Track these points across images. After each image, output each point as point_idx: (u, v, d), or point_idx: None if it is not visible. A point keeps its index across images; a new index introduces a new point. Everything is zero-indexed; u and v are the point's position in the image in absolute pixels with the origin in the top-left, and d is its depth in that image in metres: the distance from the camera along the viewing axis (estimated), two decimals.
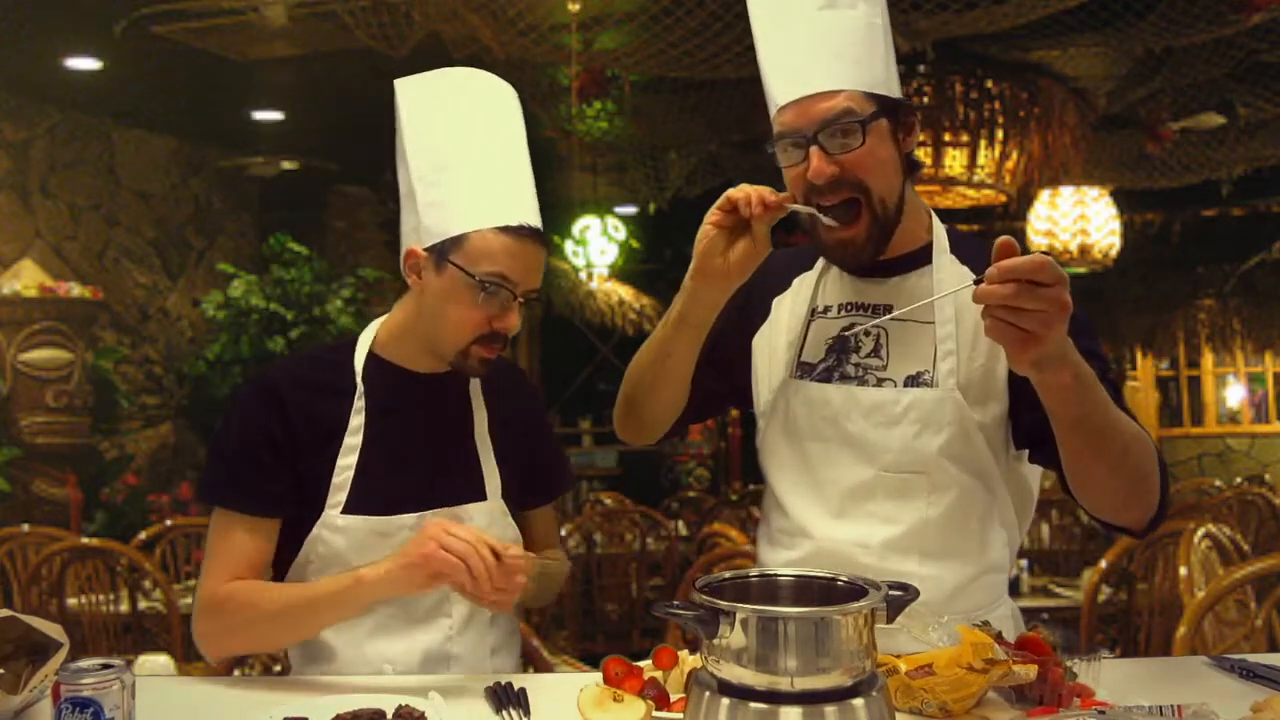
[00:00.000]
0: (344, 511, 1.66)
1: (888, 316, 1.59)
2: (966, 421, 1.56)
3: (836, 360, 1.66)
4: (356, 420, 1.70)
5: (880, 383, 1.61)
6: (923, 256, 1.65)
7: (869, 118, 1.54)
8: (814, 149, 1.54)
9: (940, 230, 1.67)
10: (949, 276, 1.61)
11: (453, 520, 1.59)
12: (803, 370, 1.69)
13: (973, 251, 1.64)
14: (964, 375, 1.57)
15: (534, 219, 1.70)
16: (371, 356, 1.76)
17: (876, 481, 1.60)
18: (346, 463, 1.68)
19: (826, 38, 1.56)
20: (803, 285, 1.74)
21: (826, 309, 1.71)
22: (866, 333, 1.64)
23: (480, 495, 1.73)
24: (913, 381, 1.59)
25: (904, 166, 1.61)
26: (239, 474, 1.68)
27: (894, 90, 1.60)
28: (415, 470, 1.70)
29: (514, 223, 1.66)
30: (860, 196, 1.56)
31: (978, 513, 1.61)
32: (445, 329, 1.68)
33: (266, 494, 1.66)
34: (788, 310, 1.74)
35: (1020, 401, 1.55)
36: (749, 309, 1.77)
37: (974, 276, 1.57)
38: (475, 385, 1.79)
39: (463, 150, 1.68)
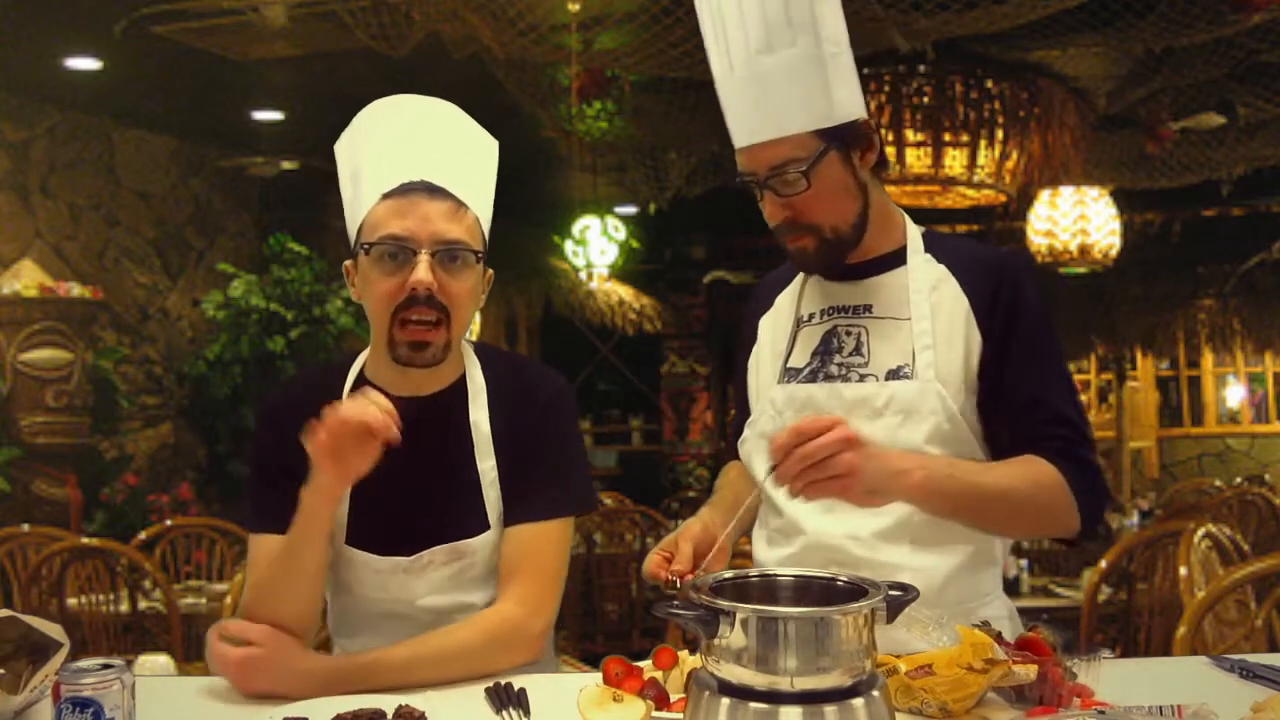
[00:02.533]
0: (346, 542, 1.63)
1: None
2: (949, 411, 1.61)
3: (820, 362, 1.71)
4: None
5: (863, 379, 1.66)
6: (899, 257, 1.70)
7: (815, 159, 1.59)
8: (767, 194, 1.63)
9: (914, 232, 1.73)
10: (922, 275, 1.67)
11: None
12: (789, 375, 1.74)
13: (949, 249, 1.70)
14: (943, 367, 1.62)
15: (426, 172, 1.59)
16: (362, 378, 1.69)
17: None
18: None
19: (767, 83, 1.59)
20: (785, 300, 1.81)
21: (810, 316, 1.76)
22: (848, 333, 1.71)
23: (483, 525, 1.64)
24: (893, 375, 1.64)
25: (861, 185, 1.66)
26: (256, 499, 1.67)
27: (847, 113, 1.62)
28: (409, 503, 1.61)
29: (395, 184, 1.58)
30: (812, 235, 1.64)
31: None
32: (373, 320, 1.60)
33: (279, 514, 1.60)
34: (772, 326, 1.81)
35: (986, 423, 1.65)
36: (748, 341, 1.86)
37: (946, 271, 1.67)
38: (480, 404, 1.67)
39: (369, 148, 1.64)
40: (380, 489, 1.56)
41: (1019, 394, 1.61)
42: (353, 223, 1.64)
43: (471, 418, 1.66)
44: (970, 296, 1.64)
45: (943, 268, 1.67)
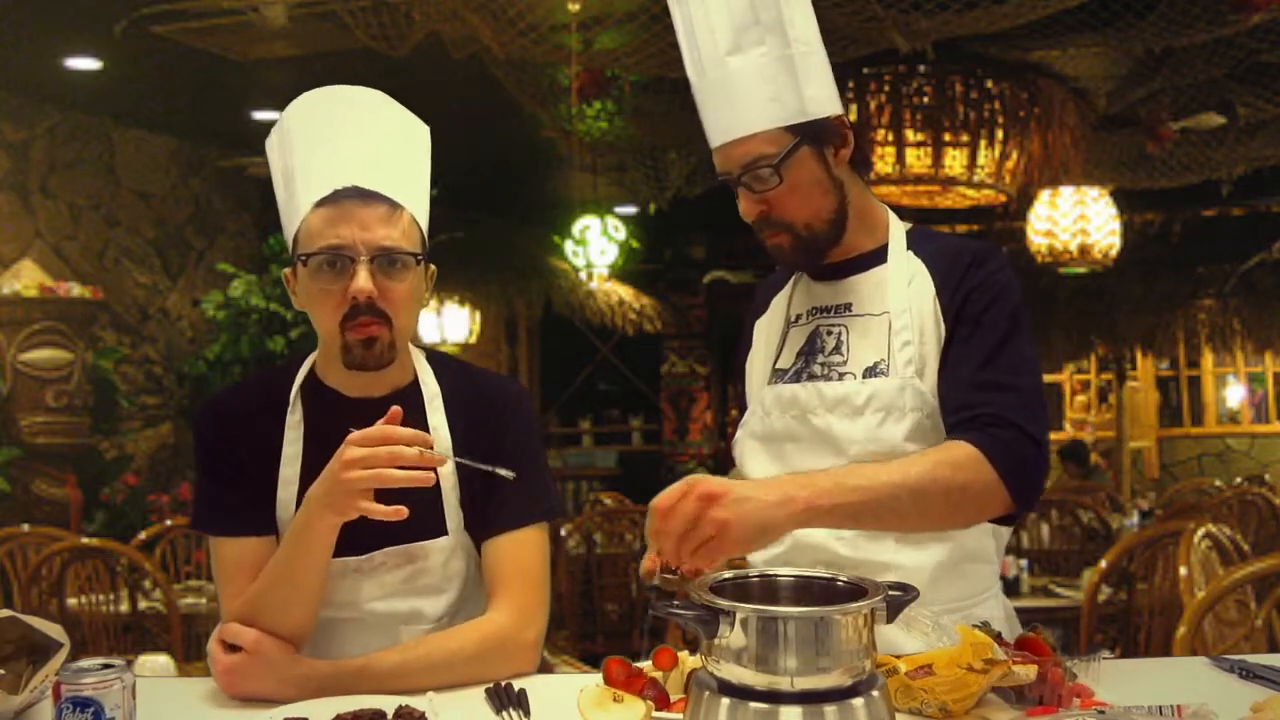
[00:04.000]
0: None
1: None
2: (929, 407, 1.61)
3: (805, 362, 1.73)
4: (291, 449, 1.61)
5: (842, 377, 1.67)
6: (880, 255, 1.71)
7: (784, 155, 1.60)
8: (741, 190, 1.64)
9: (898, 230, 1.73)
10: (901, 271, 1.67)
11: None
12: (777, 376, 1.76)
13: (929, 245, 1.70)
14: (919, 362, 1.62)
15: (356, 176, 1.56)
16: (312, 377, 1.66)
17: None
18: (287, 495, 1.60)
19: (735, 83, 1.61)
20: (777, 303, 1.83)
21: (798, 317, 1.78)
22: (829, 332, 1.71)
23: (440, 530, 1.61)
24: (870, 372, 1.65)
25: (837, 182, 1.66)
26: (208, 499, 1.64)
27: (819, 109, 1.62)
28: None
29: (327, 191, 1.56)
30: (786, 231, 1.65)
31: None
32: (319, 329, 1.59)
33: (238, 515, 1.59)
34: (765, 329, 1.83)
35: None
36: (745, 346, 1.88)
37: (921, 265, 1.67)
38: (436, 407, 1.65)
39: (299, 150, 1.62)
40: None
41: (956, 371, 1.59)
42: (288, 228, 1.62)
43: (430, 421, 1.64)
44: (938, 287, 1.64)
45: (919, 262, 1.68)
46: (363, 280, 1.52)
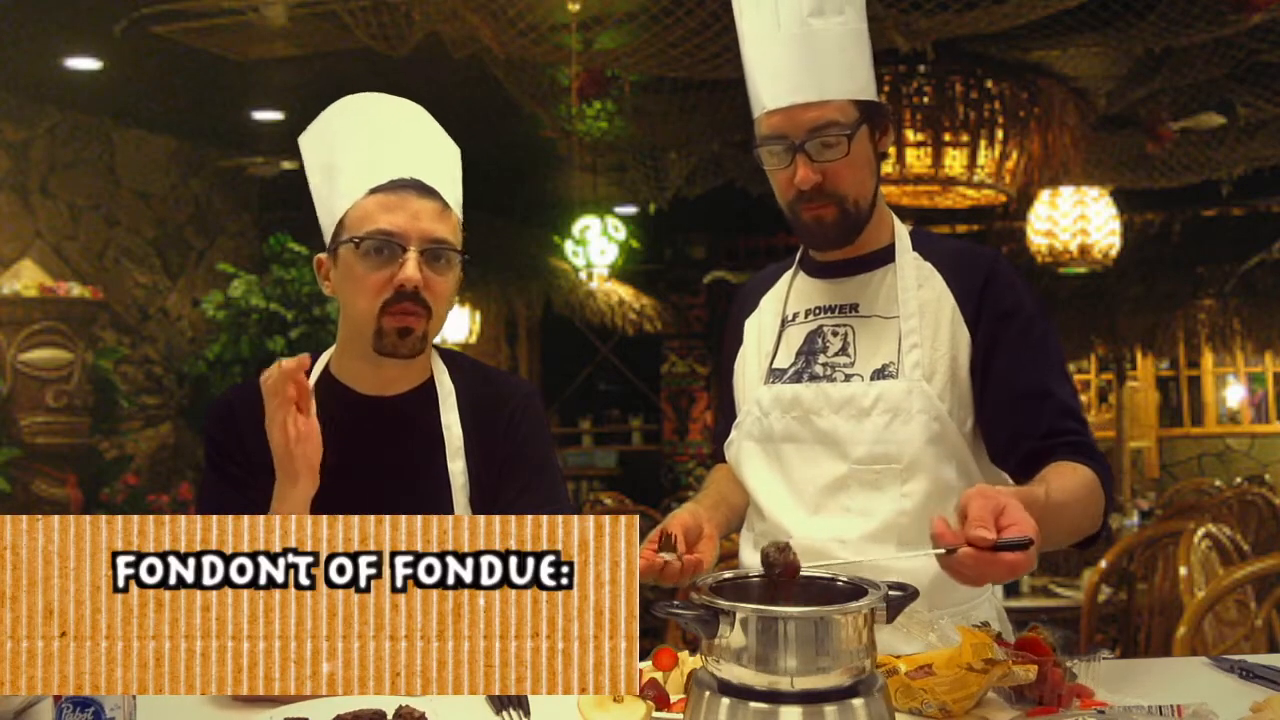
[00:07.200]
0: None
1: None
2: (936, 410, 1.61)
3: (805, 362, 1.71)
4: None
5: (848, 378, 1.66)
6: (887, 255, 1.71)
7: (854, 127, 1.60)
8: (801, 156, 1.60)
9: (902, 230, 1.73)
10: (910, 273, 1.67)
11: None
12: (774, 376, 1.74)
13: (935, 247, 1.71)
14: (929, 366, 1.62)
15: (415, 171, 1.61)
16: (326, 374, 1.68)
17: (850, 475, 1.64)
18: None
19: (815, 46, 1.60)
20: (770, 301, 1.81)
21: (795, 316, 1.76)
22: (834, 332, 1.70)
23: None
24: (879, 374, 1.64)
25: (877, 167, 1.68)
26: (217, 497, 1.65)
27: (873, 93, 1.65)
28: (372, 503, 1.58)
29: (385, 180, 1.59)
30: (836, 204, 1.63)
31: (952, 501, 1.62)
32: (354, 312, 1.60)
33: (246, 514, 1.59)
34: (757, 328, 1.81)
35: (983, 418, 1.63)
36: (733, 344, 1.85)
37: (931, 269, 1.67)
38: (450, 408, 1.67)
39: (349, 143, 1.64)
40: (343, 489, 1.53)
41: (1018, 385, 1.59)
42: (328, 215, 1.63)
43: (443, 420, 1.66)
44: (955, 293, 1.64)
45: (929, 265, 1.67)
46: (411, 269, 1.55)
